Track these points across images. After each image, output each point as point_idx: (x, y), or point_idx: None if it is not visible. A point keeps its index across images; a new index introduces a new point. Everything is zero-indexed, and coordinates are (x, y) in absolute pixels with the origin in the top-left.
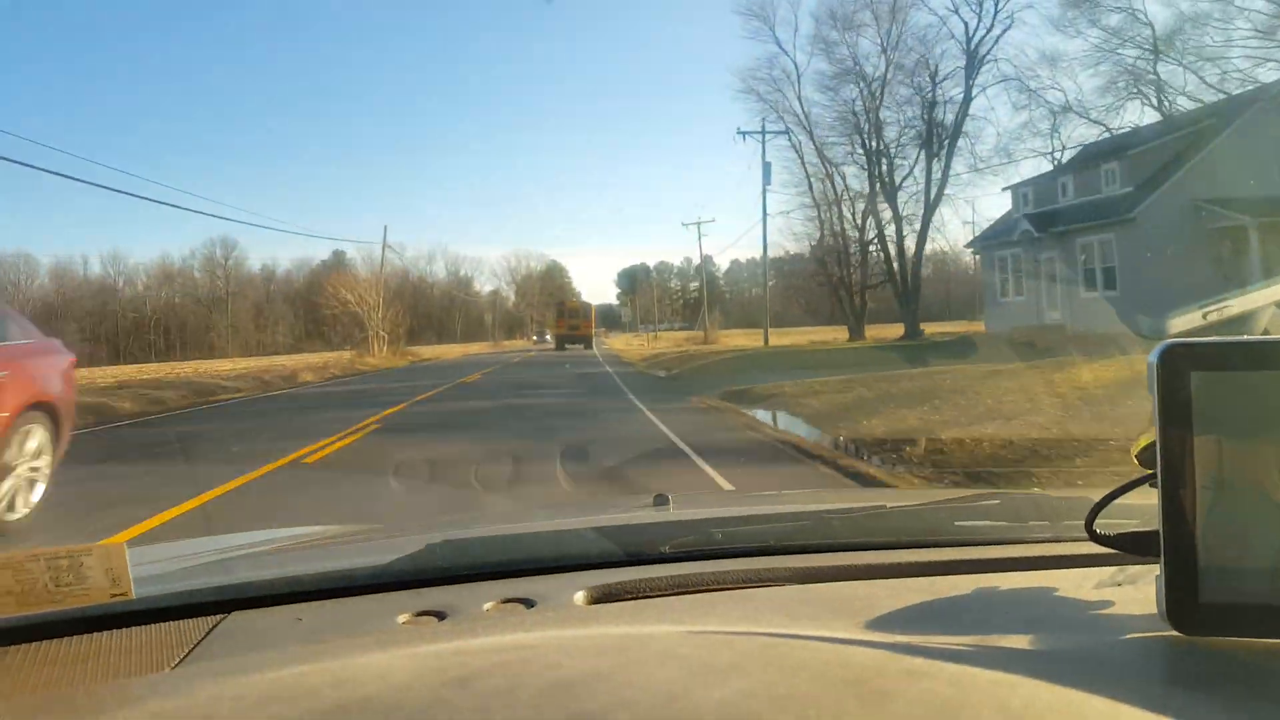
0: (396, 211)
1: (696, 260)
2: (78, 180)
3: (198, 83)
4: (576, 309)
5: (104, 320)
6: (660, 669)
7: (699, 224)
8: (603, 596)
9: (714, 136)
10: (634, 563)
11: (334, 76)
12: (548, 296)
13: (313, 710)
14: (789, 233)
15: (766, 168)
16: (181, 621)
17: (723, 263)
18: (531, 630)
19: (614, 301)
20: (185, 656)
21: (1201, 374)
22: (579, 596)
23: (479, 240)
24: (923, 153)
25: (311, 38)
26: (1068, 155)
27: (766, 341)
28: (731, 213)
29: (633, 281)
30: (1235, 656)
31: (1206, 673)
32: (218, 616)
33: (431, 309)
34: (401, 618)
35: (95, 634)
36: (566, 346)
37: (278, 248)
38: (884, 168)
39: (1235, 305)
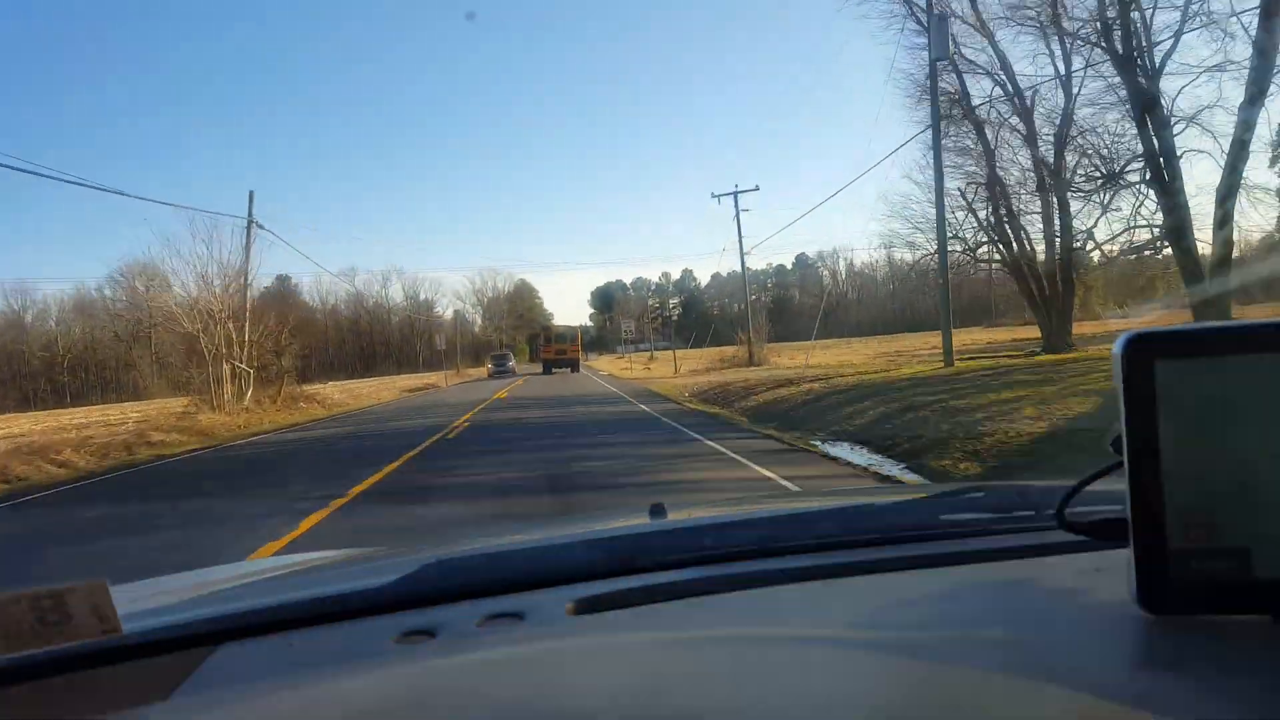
0: (345, 229)
1: (676, 275)
2: None
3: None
4: (564, 333)
5: (10, 360)
6: (648, 673)
7: (735, 194)
8: (591, 607)
9: (685, 148)
10: (624, 572)
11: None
12: (516, 319)
13: None
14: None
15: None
16: (173, 655)
17: (702, 276)
18: (520, 644)
19: (587, 322)
20: (177, 688)
21: (1165, 362)
22: (568, 608)
23: (439, 261)
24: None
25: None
26: None
27: (950, 357)
28: (706, 222)
29: (608, 300)
30: (1205, 636)
31: (1177, 653)
32: (208, 648)
33: (390, 335)
34: (393, 639)
35: (87, 670)
36: (554, 370)
37: None
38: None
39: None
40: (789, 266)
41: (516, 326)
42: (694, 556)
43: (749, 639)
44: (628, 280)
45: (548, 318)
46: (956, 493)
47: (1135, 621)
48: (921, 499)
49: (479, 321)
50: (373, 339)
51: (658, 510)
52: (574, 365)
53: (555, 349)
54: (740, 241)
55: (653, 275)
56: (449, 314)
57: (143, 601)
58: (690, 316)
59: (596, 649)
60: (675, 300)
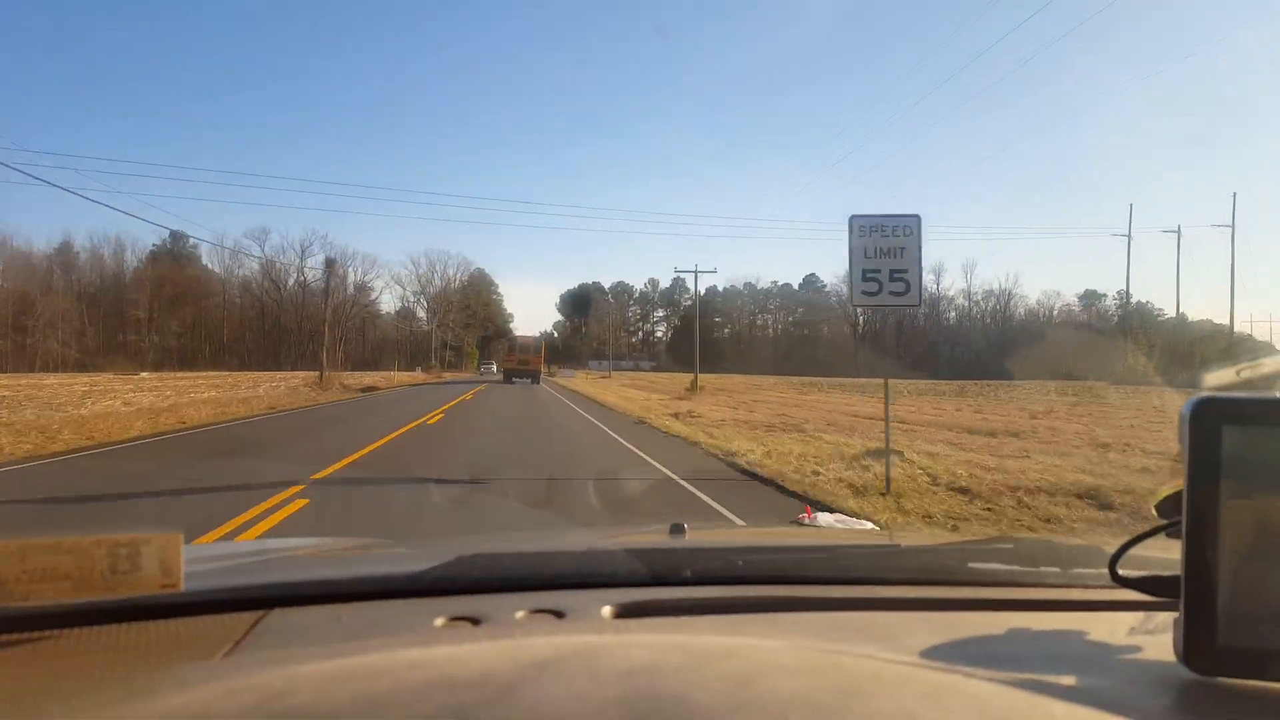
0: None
1: (665, 282)
2: None
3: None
4: (528, 344)
5: None
6: (714, 666)
7: (695, 274)
8: (629, 611)
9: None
10: (659, 583)
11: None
12: (467, 315)
13: (368, 693)
14: None
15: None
16: (226, 615)
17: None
18: (567, 636)
19: (551, 330)
20: (233, 648)
21: (1233, 428)
22: (607, 611)
23: (378, 240)
24: None
25: None
26: None
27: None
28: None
29: (582, 303)
30: (1249, 700)
31: (1223, 713)
32: (260, 612)
33: (307, 322)
34: (438, 621)
35: (144, 623)
36: (514, 380)
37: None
38: None
39: (1269, 364)
40: (795, 286)
41: (468, 325)
42: (727, 576)
43: (802, 647)
44: (606, 284)
45: (507, 320)
46: (984, 542)
47: (1180, 681)
48: (950, 545)
49: (422, 316)
50: (281, 323)
51: (677, 529)
52: (535, 377)
53: (518, 359)
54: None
55: (637, 281)
56: (384, 297)
57: (201, 564)
58: (686, 334)
59: (644, 643)
60: (661, 312)
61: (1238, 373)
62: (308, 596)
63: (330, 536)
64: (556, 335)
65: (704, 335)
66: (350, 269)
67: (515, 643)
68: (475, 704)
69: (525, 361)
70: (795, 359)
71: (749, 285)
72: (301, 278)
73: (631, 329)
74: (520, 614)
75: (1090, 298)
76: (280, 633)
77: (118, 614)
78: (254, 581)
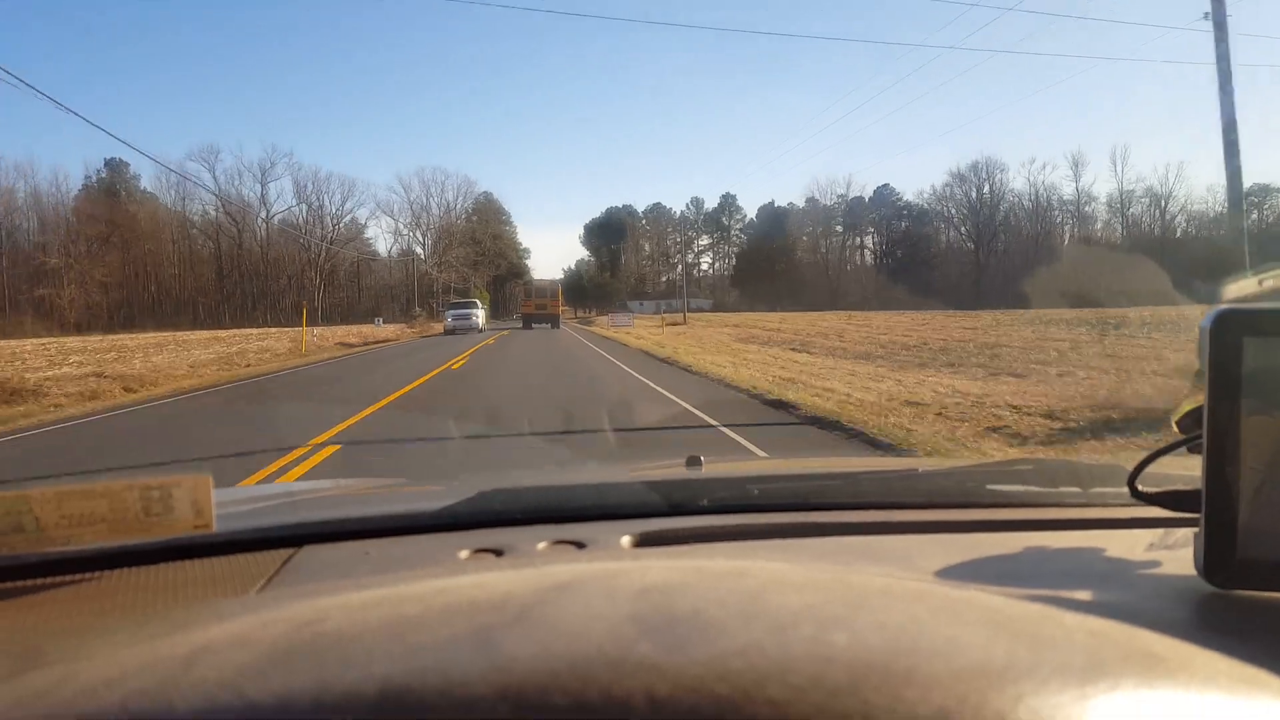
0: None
1: (712, 201)
2: None
3: None
4: (545, 288)
5: None
6: (726, 584)
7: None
8: (648, 541)
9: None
10: (676, 513)
11: None
12: (475, 251)
13: (395, 617)
14: None
15: None
16: (258, 554)
17: (749, 204)
18: (587, 564)
19: (573, 268)
20: (267, 583)
21: (1254, 339)
22: (625, 540)
23: (361, 158)
24: None
25: None
26: None
27: None
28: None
29: (613, 232)
30: (1268, 612)
31: (1242, 624)
32: (290, 550)
33: (273, 267)
34: (463, 554)
35: (179, 562)
36: (533, 326)
37: None
38: None
39: None
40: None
41: (477, 262)
42: (743, 504)
43: (818, 567)
44: (640, 208)
45: (522, 256)
46: (1003, 464)
47: (1199, 595)
48: (968, 467)
49: (421, 254)
50: (239, 268)
51: (694, 461)
52: (554, 321)
53: (536, 304)
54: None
55: (675, 203)
56: (380, 240)
57: (229, 506)
58: (754, 261)
59: (665, 567)
60: (706, 239)
61: (1260, 282)
62: (336, 534)
63: (356, 478)
64: (584, 274)
65: (772, 264)
66: (327, 199)
67: (536, 570)
68: (497, 624)
69: (543, 306)
70: (896, 287)
71: (811, 201)
72: (265, 210)
73: (672, 260)
74: (542, 545)
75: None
76: (311, 568)
77: (155, 555)
78: (284, 521)
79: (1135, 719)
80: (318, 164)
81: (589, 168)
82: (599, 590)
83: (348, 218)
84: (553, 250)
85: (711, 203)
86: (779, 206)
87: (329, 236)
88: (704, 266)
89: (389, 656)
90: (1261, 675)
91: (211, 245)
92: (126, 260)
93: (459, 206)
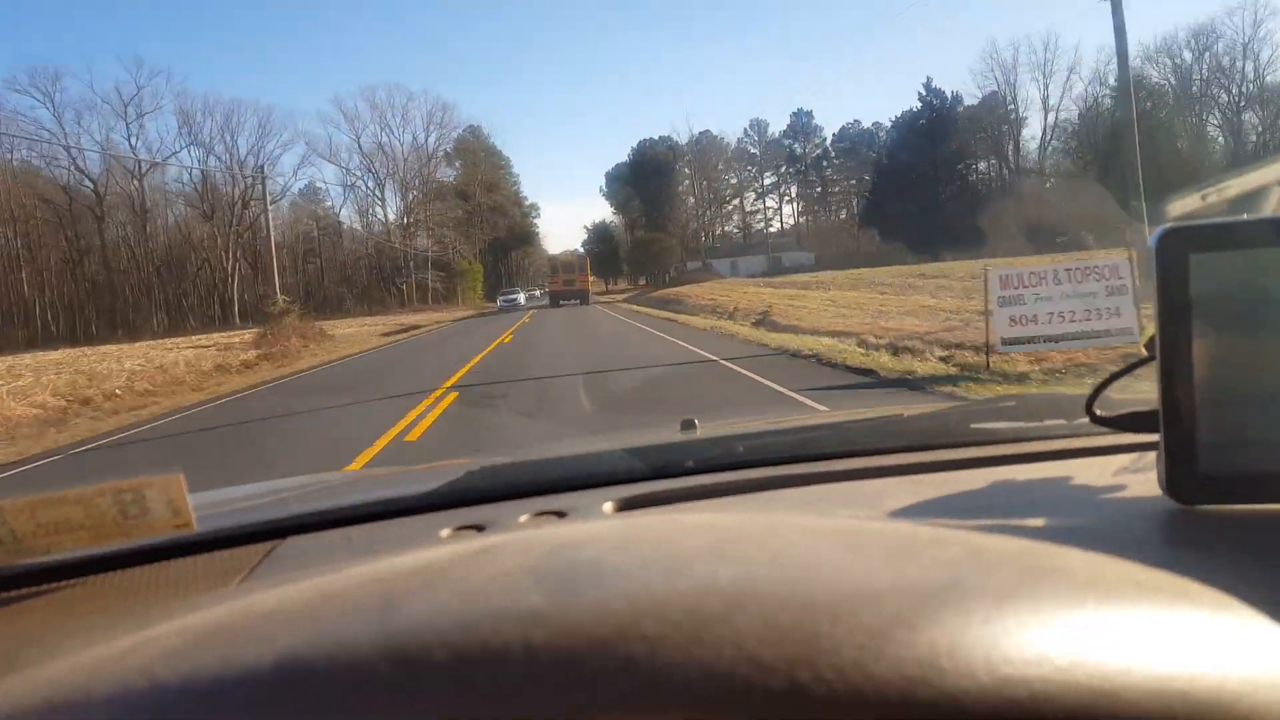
0: None
1: (777, 128)
2: None
3: None
4: (570, 263)
5: None
6: (647, 532)
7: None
8: (630, 504)
9: None
10: (660, 477)
11: None
12: (464, 207)
13: (330, 592)
14: None
15: None
16: (240, 549)
17: (829, 121)
18: (533, 530)
19: (598, 224)
20: (248, 575)
21: (1199, 255)
22: (608, 506)
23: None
24: None
25: None
26: None
27: None
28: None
29: (652, 170)
30: (1234, 525)
31: (1206, 539)
32: (273, 542)
33: (171, 250)
34: (444, 532)
35: (160, 563)
36: (562, 303)
37: None
38: None
39: (1234, 186)
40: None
41: (467, 223)
42: (729, 461)
43: (786, 518)
44: (681, 137)
45: (527, 213)
46: (988, 402)
47: (1165, 512)
48: (952, 409)
49: (388, 216)
50: (106, 253)
51: (688, 425)
52: (583, 297)
53: (563, 279)
54: None
55: (732, 130)
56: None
57: (210, 507)
58: (893, 186)
59: (646, 523)
60: (771, 178)
61: (1202, 197)
62: (320, 524)
63: (336, 472)
64: (613, 234)
65: (925, 190)
66: (233, 137)
67: (515, 536)
68: (403, 591)
69: (570, 282)
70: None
71: (991, 95)
72: (138, 160)
73: (726, 203)
74: (524, 518)
75: None
76: (293, 558)
77: (139, 557)
78: (267, 516)
79: (1034, 639)
80: (214, 89)
81: (608, 95)
82: (515, 550)
83: (271, 165)
84: (563, 212)
85: (778, 125)
86: (943, 100)
87: (244, 194)
88: (783, 211)
89: (297, 631)
90: (1178, 581)
91: (56, 218)
92: None
93: (433, 143)
